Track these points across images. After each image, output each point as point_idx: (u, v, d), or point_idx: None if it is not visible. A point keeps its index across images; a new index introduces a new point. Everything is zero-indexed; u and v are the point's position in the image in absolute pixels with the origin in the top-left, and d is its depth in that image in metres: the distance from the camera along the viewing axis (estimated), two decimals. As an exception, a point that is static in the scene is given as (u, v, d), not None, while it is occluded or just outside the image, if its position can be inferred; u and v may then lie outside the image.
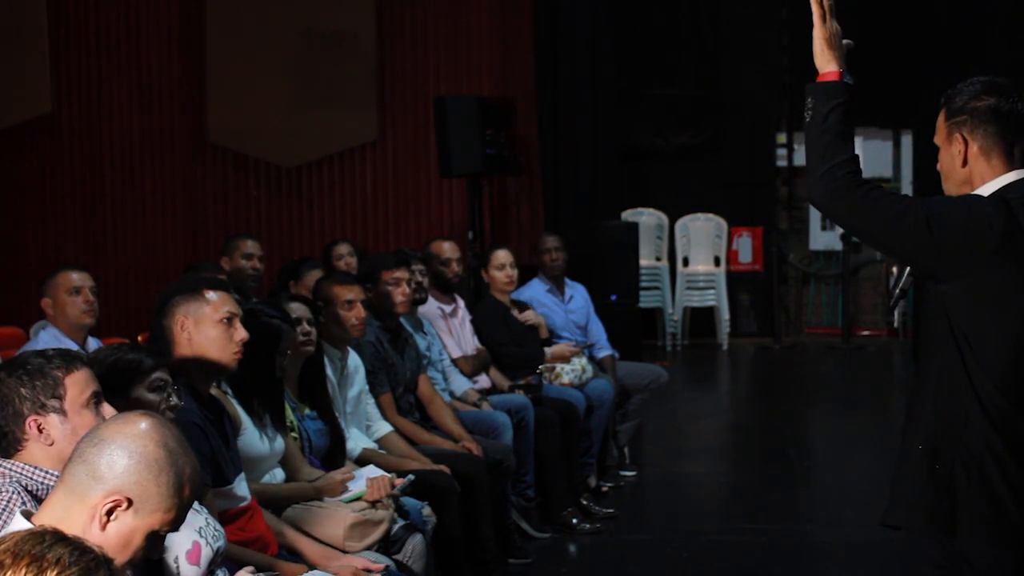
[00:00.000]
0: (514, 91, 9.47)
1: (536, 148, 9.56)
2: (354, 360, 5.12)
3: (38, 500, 2.57)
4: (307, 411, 4.58)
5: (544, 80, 9.61)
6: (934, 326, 2.94)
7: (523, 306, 6.97)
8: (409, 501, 4.50)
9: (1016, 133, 2.95)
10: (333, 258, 7.30)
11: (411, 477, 4.44)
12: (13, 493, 2.58)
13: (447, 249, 6.53)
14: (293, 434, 4.36)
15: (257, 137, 9.72)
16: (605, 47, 9.99)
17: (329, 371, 4.80)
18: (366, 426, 5.15)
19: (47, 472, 2.66)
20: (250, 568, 2.98)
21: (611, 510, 6.45)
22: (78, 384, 2.77)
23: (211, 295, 3.67)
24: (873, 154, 12.26)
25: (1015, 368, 2.84)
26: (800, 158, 12.40)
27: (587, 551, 6.06)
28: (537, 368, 6.69)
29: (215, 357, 3.64)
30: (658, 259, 12.27)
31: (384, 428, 5.22)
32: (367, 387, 5.20)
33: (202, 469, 3.39)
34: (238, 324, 3.68)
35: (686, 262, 12.38)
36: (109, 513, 2.25)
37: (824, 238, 12.59)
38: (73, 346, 5.03)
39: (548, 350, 6.86)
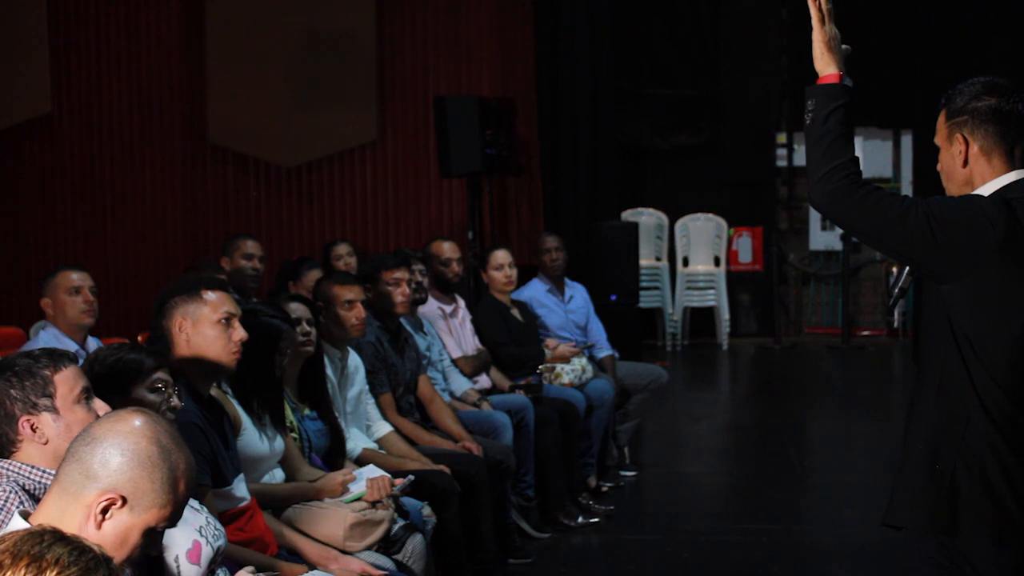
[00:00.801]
0: (514, 91, 9.47)
1: (536, 148, 9.56)
2: (354, 360, 5.12)
3: (36, 499, 2.57)
4: (307, 411, 4.58)
5: (544, 80, 9.60)
6: (934, 326, 2.94)
7: (522, 306, 6.98)
8: (409, 501, 4.50)
9: (1017, 133, 2.94)
10: (333, 258, 7.30)
11: (411, 477, 4.44)
12: (11, 493, 2.58)
13: (447, 249, 6.53)
14: (293, 434, 4.36)
15: (257, 137, 9.72)
16: (605, 47, 9.99)
17: (329, 371, 4.80)
18: (366, 426, 5.16)
19: (44, 471, 2.67)
20: (250, 568, 2.98)
21: (611, 507, 6.44)
22: (67, 381, 2.78)
23: (209, 295, 3.67)
24: (873, 154, 12.27)
25: (1017, 367, 2.84)
26: (800, 158, 12.40)
27: (587, 551, 6.05)
28: (537, 368, 6.69)
29: (214, 357, 3.64)
30: (658, 259, 12.27)
31: (384, 428, 5.22)
32: (367, 387, 5.20)
33: (202, 470, 3.41)
34: (237, 324, 3.68)
35: (686, 262, 12.38)
36: (104, 511, 2.25)
37: (824, 238, 12.59)
38: (73, 346, 5.03)
39: (548, 350, 6.86)
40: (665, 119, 12.36)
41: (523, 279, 7.24)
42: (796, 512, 6.75)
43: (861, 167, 2.91)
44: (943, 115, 3.00)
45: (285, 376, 4.36)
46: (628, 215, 11.71)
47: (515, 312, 6.89)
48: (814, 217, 12.53)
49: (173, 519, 2.33)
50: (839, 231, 12.20)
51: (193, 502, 3.08)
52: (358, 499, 4.16)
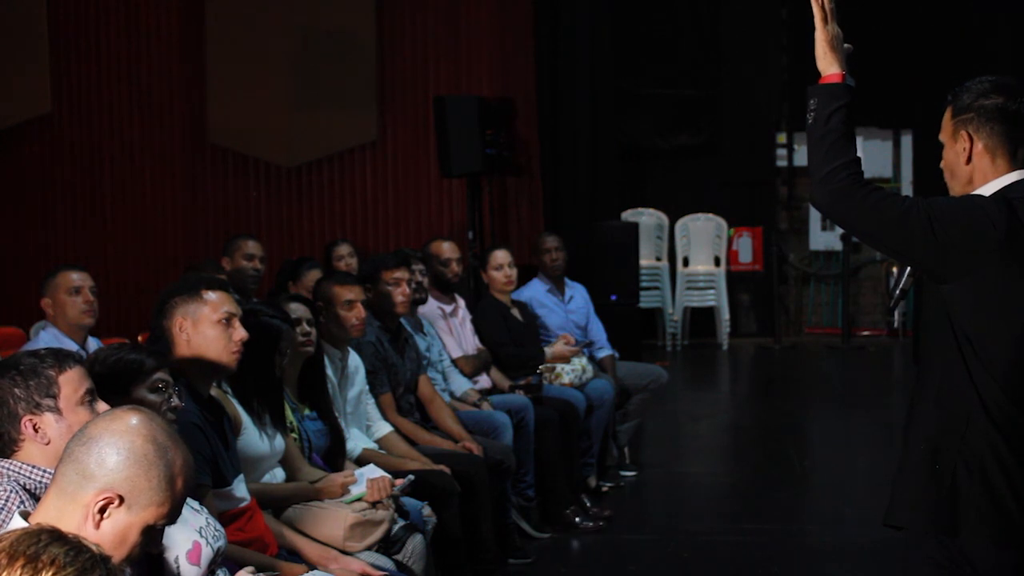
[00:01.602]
0: (514, 91, 9.46)
1: (536, 148, 9.55)
2: (354, 360, 5.12)
3: (36, 499, 2.57)
4: (307, 411, 4.58)
5: (544, 80, 9.60)
6: (935, 326, 2.94)
7: (523, 306, 6.98)
8: (409, 501, 4.50)
9: (1021, 133, 2.94)
10: (334, 259, 7.30)
11: (411, 477, 4.44)
12: (11, 492, 2.58)
13: (447, 249, 6.53)
14: (293, 434, 4.36)
15: (257, 137, 9.72)
16: (605, 47, 9.99)
17: (329, 371, 4.80)
18: (366, 426, 5.16)
19: (44, 471, 2.66)
20: (250, 568, 2.98)
21: (607, 513, 6.42)
22: (72, 382, 2.77)
23: (209, 295, 3.66)
24: (873, 154, 12.26)
25: (1017, 367, 2.84)
26: (800, 158, 12.40)
27: (587, 551, 6.05)
28: (537, 368, 6.69)
29: (214, 357, 3.64)
30: (658, 259, 12.27)
31: (384, 428, 5.22)
32: (367, 387, 5.20)
33: (202, 470, 3.41)
34: (237, 324, 3.67)
35: (686, 262, 12.38)
36: (102, 511, 2.25)
37: (824, 238, 12.58)
38: (73, 346, 5.03)
39: (548, 350, 6.86)
40: (665, 119, 12.35)
41: (523, 279, 7.24)
42: (796, 512, 6.74)
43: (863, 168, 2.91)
44: (949, 111, 2.99)
45: (285, 376, 4.36)
46: (628, 215, 11.71)
47: (515, 312, 6.89)
48: (814, 217, 12.53)
49: (172, 516, 2.32)
50: (839, 231, 12.19)
51: (193, 503, 3.08)
52: (358, 499, 4.16)
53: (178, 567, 2.95)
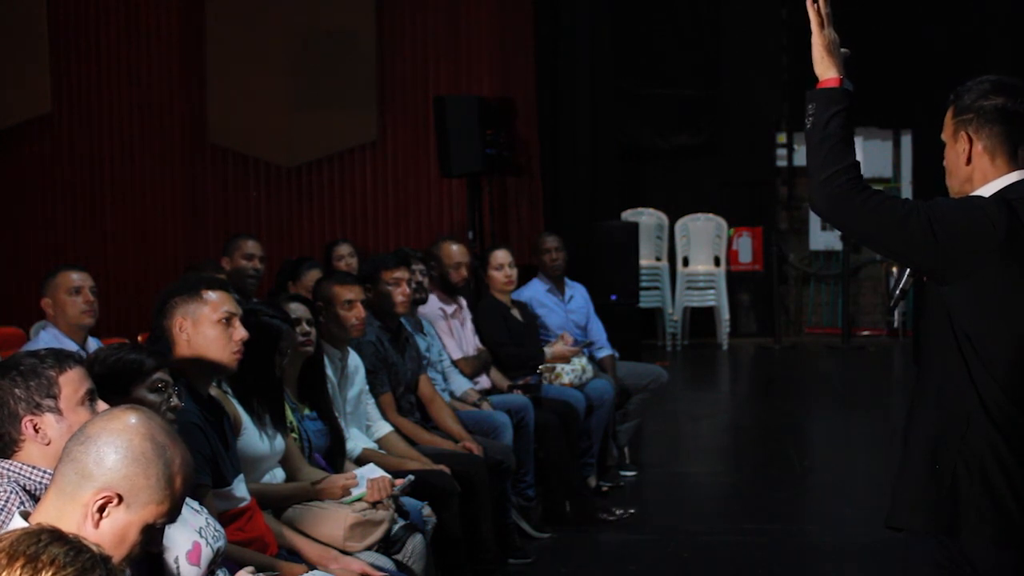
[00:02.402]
0: (514, 91, 9.47)
1: (536, 148, 9.56)
2: (354, 360, 5.12)
3: (36, 499, 2.57)
4: (307, 411, 4.59)
5: (544, 80, 9.60)
6: (935, 327, 2.94)
7: (523, 306, 6.98)
8: (409, 501, 4.50)
9: (1021, 134, 2.94)
10: (334, 258, 7.30)
11: (411, 477, 4.44)
12: (12, 493, 2.58)
13: (456, 253, 6.52)
14: (293, 434, 4.36)
15: (257, 137, 9.72)
16: (605, 47, 9.99)
17: (329, 371, 4.80)
18: (366, 426, 5.15)
19: (44, 471, 2.66)
20: (250, 568, 2.98)
21: (623, 511, 6.42)
22: (72, 383, 2.77)
23: (209, 295, 3.66)
24: (873, 154, 12.26)
25: (1018, 368, 2.84)
26: (800, 158, 12.39)
27: (587, 551, 6.05)
28: (537, 368, 6.69)
29: (214, 357, 3.63)
30: (658, 259, 12.26)
31: (384, 428, 5.22)
32: (367, 387, 5.20)
33: (202, 470, 3.41)
34: (237, 323, 3.67)
35: (686, 262, 12.38)
36: (101, 510, 2.24)
37: (824, 238, 12.58)
38: (73, 346, 5.02)
39: (548, 350, 6.86)
40: (665, 119, 12.35)
41: (523, 279, 7.24)
42: (796, 512, 6.74)
43: (861, 168, 2.91)
44: (950, 111, 3.00)
45: (285, 376, 4.36)
46: (628, 215, 11.70)
47: (515, 312, 6.89)
48: (814, 217, 12.52)
49: (172, 515, 2.32)
50: (839, 231, 12.20)
51: (193, 503, 3.08)
52: (358, 499, 4.16)
53: (178, 567, 2.95)
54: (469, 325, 6.64)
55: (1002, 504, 2.83)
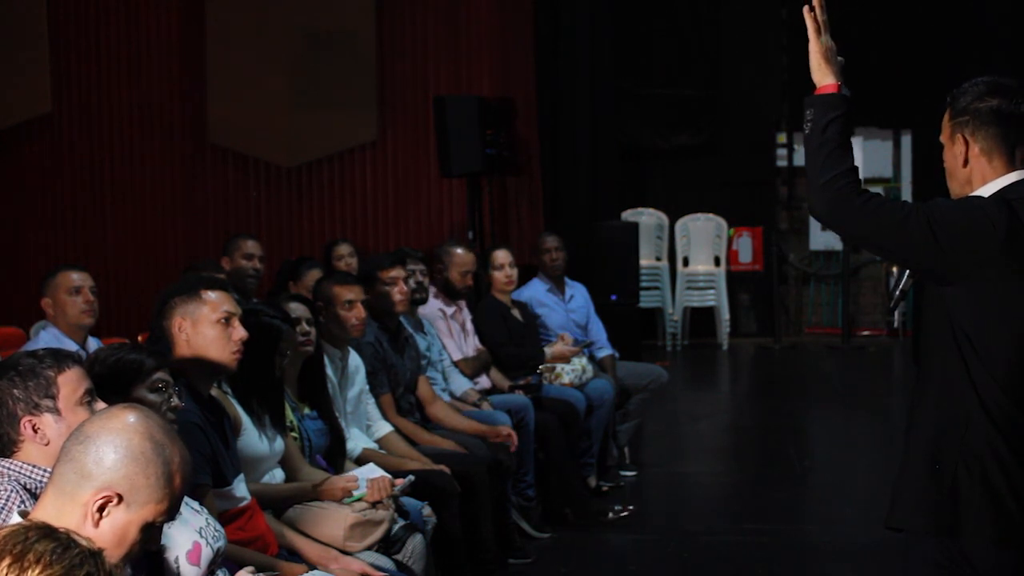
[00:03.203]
0: (514, 91, 9.46)
1: (536, 148, 9.55)
2: (354, 360, 5.12)
3: (36, 498, 2.57)
4: (307, 411, 4.58)
5: (544, 80, 9.60)
6: (934, 327, 2.94)
7: (523, 306, 6.98)
8: (409, 501, 4.50)
9: (1018, 135, 2.94)
10: (334, 258, 7.30)
11: (411, 477, 4.44)
12: (12, 492, 2.58)
13: (467, 260, 6.53)
14: (293, 434, 4.36)
15: (257, 137, 9.72)
16: (605, 47, 9.98)
17: (329, 371, 4.80)
18: (366, 426, 5.15)
19: (45, 470, 2.65)
20: (250, 568, 2.98)
21: (623, 511, 6.42)
22: (71, 383, 2.77)
23: (209, 295, 3.66)
24: (873, 154, 12.27)
25: (1018, 368, 2.84)
26: (800, 158, 12.37)
27: (587, 551, 6.05)
28: (537, 368, 6.69)
29: (214, 357, 3.63)
30: (658, 259, 12.27)
31: (384, 428, 5.22)
32: (367, 387, 5.20)
33: (202, 470, 3.41)
34: (237, 323, 3.67)
35: (686, 262, 12.38)
36: (101, 509, 2.24)
37: (824, 238, 12.59)
38: (73, 346, 5.02)
39: (548, 350, 6.86)
40: (665, 119, 12.35)
41: (523, 279, 7.24)
42: (796, 512, 6.75)
43: (861, 167, 2.92)
44: (947, 114, 3.01)
45: (285, 376, 4.36)
46: (628, 215, 11.70)
47: (515, 312, 6.89)
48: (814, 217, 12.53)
49: (171, 513, 2.32)
50: (839, 231, 12.22)
51: (193, 503, 3.08)
52: (358, 499, 4.16)
53: (178, 567, 2.95)
54: (470, 326, 6.64)
55: (1002, 504, 2.83)
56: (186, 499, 2.97)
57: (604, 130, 10.03)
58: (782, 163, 12.60)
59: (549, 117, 9.66)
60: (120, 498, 2.25)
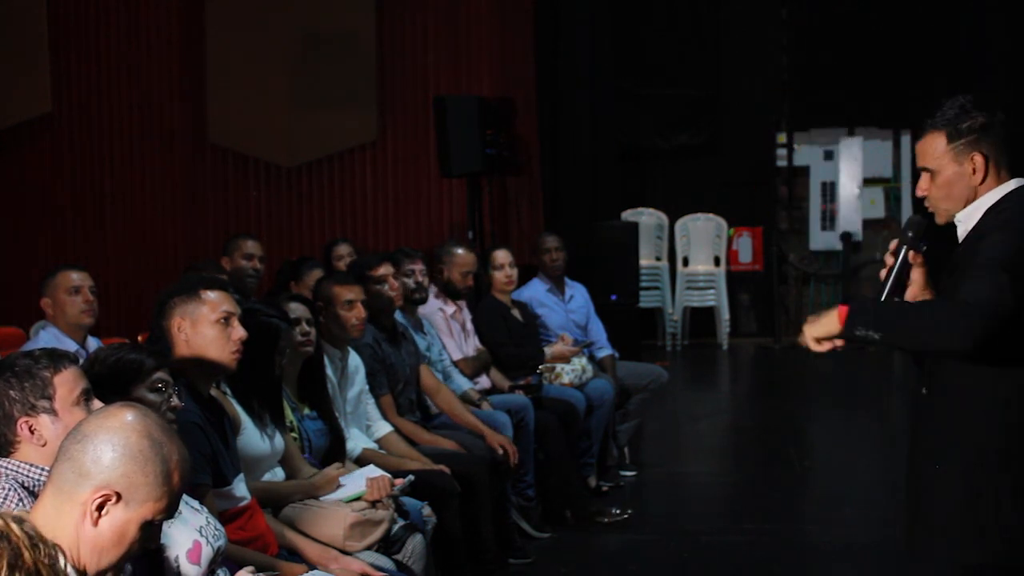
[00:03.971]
0: (514, 91, 9.47)
1: (536, 148, 9.56)
2: (354, 360, 5.12)
3: (35, 496, 2.57)
4: (307, 411, 4.59)
5: (544, 80, 9.60)
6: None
7: (523, 306, 6.99)
8: (409, 501, 4.50)
9: (1007, 143, 3.03)
10: (333, 258, 7.29)
11: (411, 477, 4.44)
12: (10, 491, 2.58)
13: (469, 261, 6.53)
14: (293, 434, 4.36)
15: (257, 137, 9.72)
16: (605, 47, 9.99)
17: (329, 371, 4.80)
18: (366, 426, 5.15)
19: (43, 469, 2.65)
20: (250, 568, 2.98)
21: (623, 511, 6.42)
22: (67, 383, 2.76)
23: (208, 295, 3.66)
24: (873, 154, 12.25)
25: None
26: (800, 158, 12.42)
27: (587, 551, 6.05)
28: (537, 368, 6.69)
29: (214, 357, 3.63)
30: (658, 259, 12.26)
31: (384, 428, 5.22)
32: (367, 387, 5.20)
33: (202, 469, 3.41)
34: (236, 323, 3.67)
35: (686, 262, 12.38)
36: (100, 508, 2.24)
37: (824, 238, 12.58)
38: (73, 346, 5.03)
39: (548, 350, 6.86)
40: (665, 119, 12.34)
41: (523, 279, 7.24)
42: (796, 512, 6.74)
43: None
44: (941, 139, 3.01)
45: (285, 376, 4.36)
46: (628, 215, 11.70)
47: (515, 312, 6.89)
48: (814, 217, 12.54)
49: (170, 511, 2.32)
50: (839, 231, 12.23)
51: (193, 502, 3.08)
52: (358, 499, 4.16)
53: (178, 566, 2.95)
54: (469, 326, 6.64)
55: None
56: (186, 498, 2.97)
57: (604, 130, 10.03)
58: (782, 163, 12.58)
59: (549, 117, 9.67)
60: (119, 496, 2.25)
